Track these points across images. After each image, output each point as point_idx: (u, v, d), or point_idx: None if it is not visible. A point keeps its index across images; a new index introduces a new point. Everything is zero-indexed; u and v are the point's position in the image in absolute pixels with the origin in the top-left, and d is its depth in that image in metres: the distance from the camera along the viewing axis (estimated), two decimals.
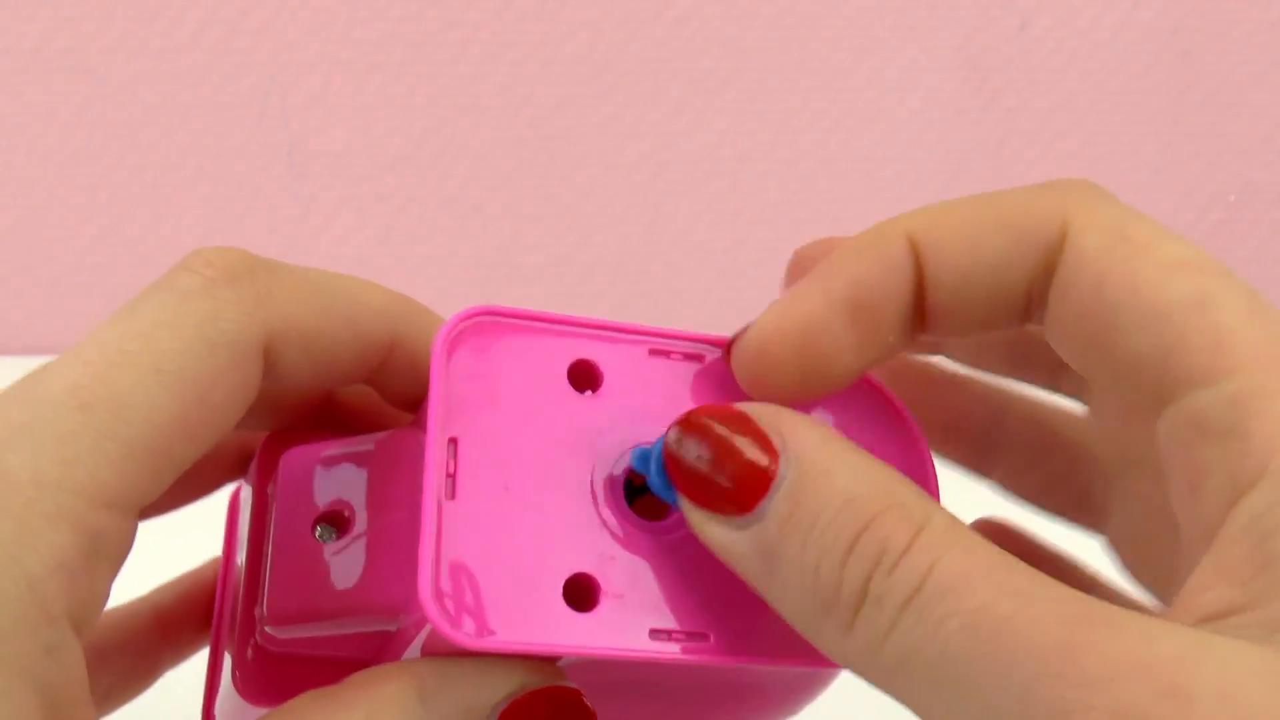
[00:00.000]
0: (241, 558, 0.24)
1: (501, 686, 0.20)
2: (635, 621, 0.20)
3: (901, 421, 0.23)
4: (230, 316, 0.20)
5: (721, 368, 0.22)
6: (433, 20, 0.59)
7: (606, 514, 0.21)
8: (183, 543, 0.30)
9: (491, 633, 0.19)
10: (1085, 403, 0.24)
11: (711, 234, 0.63)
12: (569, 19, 0.59)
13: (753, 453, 0.18)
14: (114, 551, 0.19)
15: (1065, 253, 0.19)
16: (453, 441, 0.20)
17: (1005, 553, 0.17)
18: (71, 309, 0.61)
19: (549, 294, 0.63)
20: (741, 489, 0.18)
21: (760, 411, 0.19)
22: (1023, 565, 0.17)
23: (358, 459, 0.23)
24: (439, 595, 0.19)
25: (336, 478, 0.23)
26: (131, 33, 0.58)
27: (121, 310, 0.22)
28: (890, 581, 0.17)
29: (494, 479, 0.20)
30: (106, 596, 0.19)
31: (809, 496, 0.18)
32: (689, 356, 0.22)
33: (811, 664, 0.20)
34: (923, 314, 0.21)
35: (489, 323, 0.21)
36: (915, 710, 0.17)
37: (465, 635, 0.19)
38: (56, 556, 0.18)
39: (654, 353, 0.22)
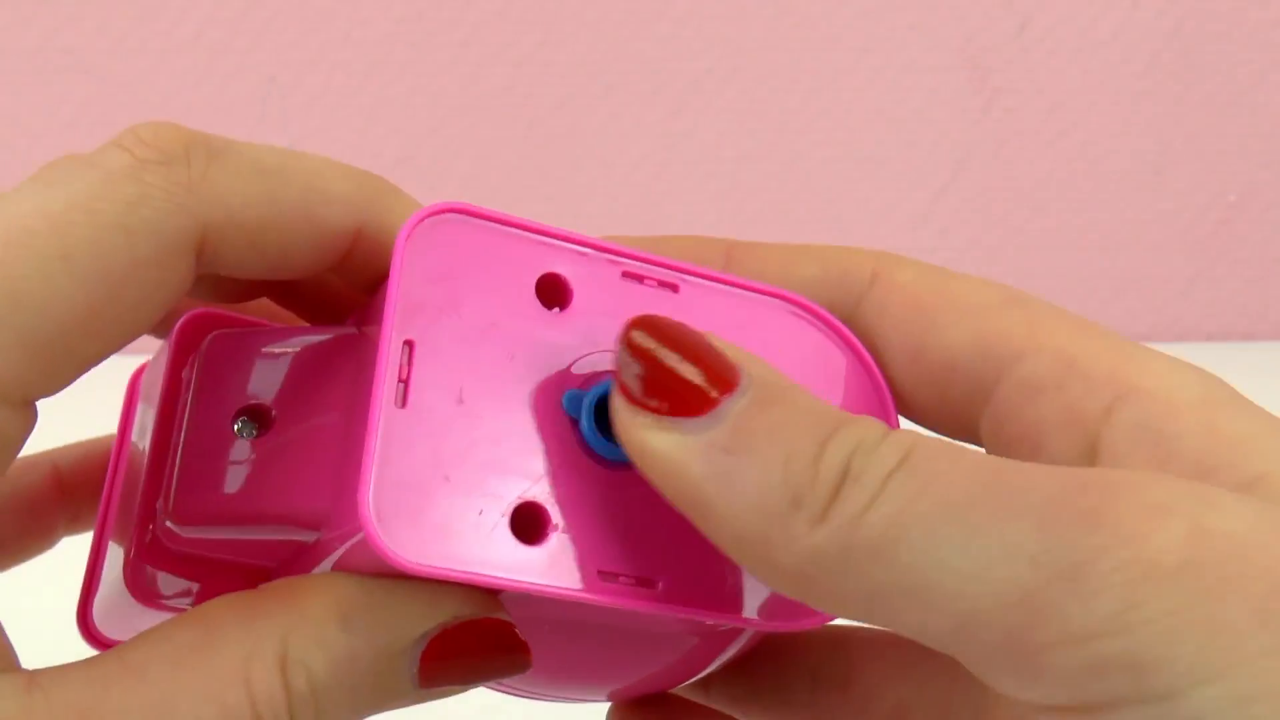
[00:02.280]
0: (145, 443, 0.22)
1: (432, 615, 0.19)
2: (583, 560, 0.19)
3: (858, 358, 0.22)
4: (157, 203, 0.18)
5: (694, 302, 0.21)
6: (433, 20, 0.59)
7: (562, 441, 0.19)
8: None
9: (430, 557, 0.18)
10: None
11: (711, 234, 0.63)
12: (569, 19, 0.59)
13: (715, 358, 0.18)
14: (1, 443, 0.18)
15: (877, 285, 0.21)
16: (408, 344, 0.18)
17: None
18: None
19: None
20: (706, 387, 0.17)
21: (714, 337, 0.19)
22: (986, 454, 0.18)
23: (292, 353, 0.21)
24: (380, 509, 0.18)
25: (265, 370, 0.21)
26: (131, 33, 0.58)
27: (33, 180, 0.19)
28: (874, 457, 0.17)
29: (448, 390, 0.19)
30: None
31: (774, 404, 0.17)
32: (663, 284, 0.21)
33: (760, 624, 0.20)
34: None
35: (458, 222, 0.20)
36: (889, 606, 0.17)
37: (403, 557, 0.17)
38: None
39: (627, 275, 0.21)
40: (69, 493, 0.26)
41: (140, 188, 0.18)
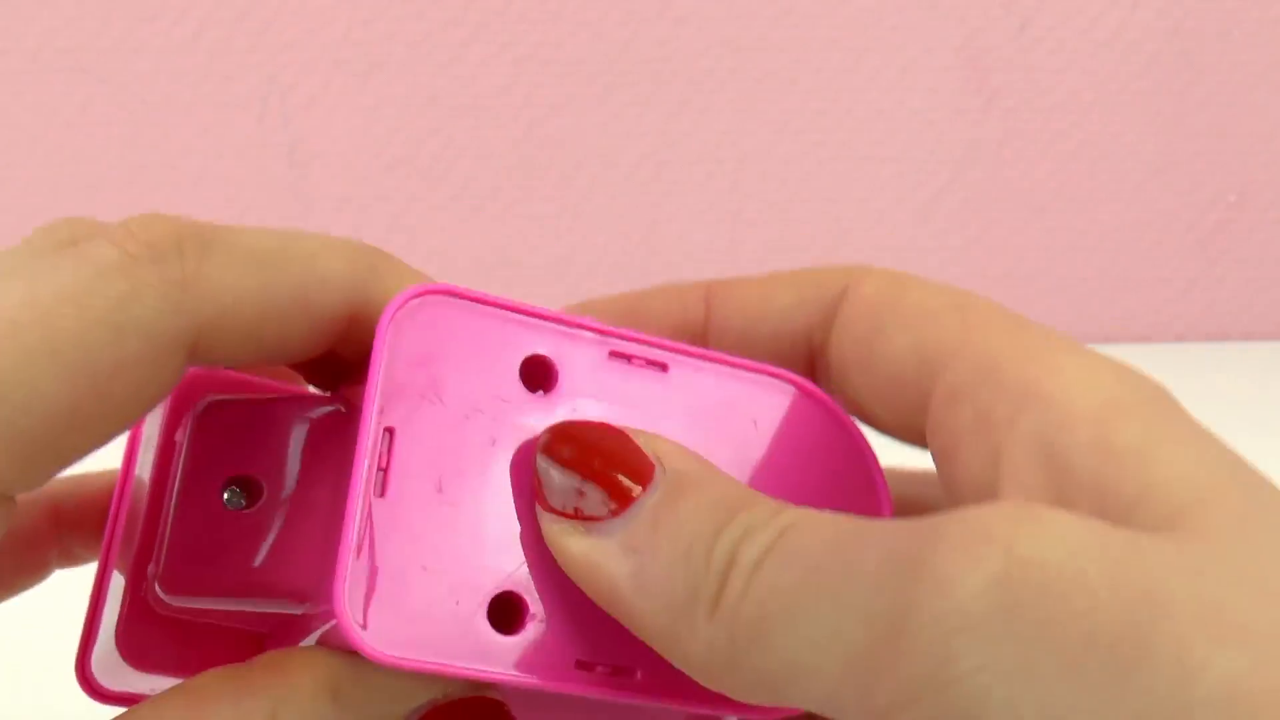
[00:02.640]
0: (143, 495, 0.22)
1: (423, 692, 0.19)
2: (560, 649, 0.19)
3: (846, 433, 0.22)
4: (149, 302, 0.18)
5: (682, 381, 0.21)
6: (433, 20, 0.59)
7: (541, 547, 0.19)
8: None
9: (405, 647, 0.18)
10: None
11: (711, 234, 0.63)
12: (569, 19, 0.59)
13: (629, 456, 0.18)
14: None
15: (845, 299, 0.21)
16: (389, 431, 0.18)
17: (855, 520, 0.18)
18: None
19: (549, 294, 0.63)
20: (618, 490, 0.18)
21: (636, 433, 0.19)
22: (857, 521, 0.17)
23: (284, 423, 0.21)
24: (354, 598, 0.18)
25: (255, 439, 0.21)
26: (131, 33, 0.58)
27: (18, 259, 0.19)
28: (754, 541, 0.17)
29: (428, 478, 0.19)
30: None
31: (682, 498, 0.18)
32: (652, 363, 0.21)
33: (737, 711, 0.20)
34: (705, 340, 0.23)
35: (441, 304, 0.19)
36: (778, 689, 0.17)
37: (375, 648, 0.18)
38: None
39: (615, 355, 0.20)
40: (65, 527, 0.25)
41: (132, 284, 0.18)
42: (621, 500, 0.18)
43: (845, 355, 0.21)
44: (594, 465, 0.18)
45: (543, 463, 0.19)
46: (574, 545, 0.18)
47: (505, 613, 0.19)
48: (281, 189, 0.61)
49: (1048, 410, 0.18)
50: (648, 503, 0.18)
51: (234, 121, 0.60)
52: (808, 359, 0.22)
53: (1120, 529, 0.16)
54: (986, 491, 0.18)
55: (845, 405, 0.22)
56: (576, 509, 0.18)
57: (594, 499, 0.18)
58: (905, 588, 0.15)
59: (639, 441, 0.19)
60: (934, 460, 0.20)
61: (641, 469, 0.18)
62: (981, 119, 0.63)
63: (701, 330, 0.23)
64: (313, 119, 0.60)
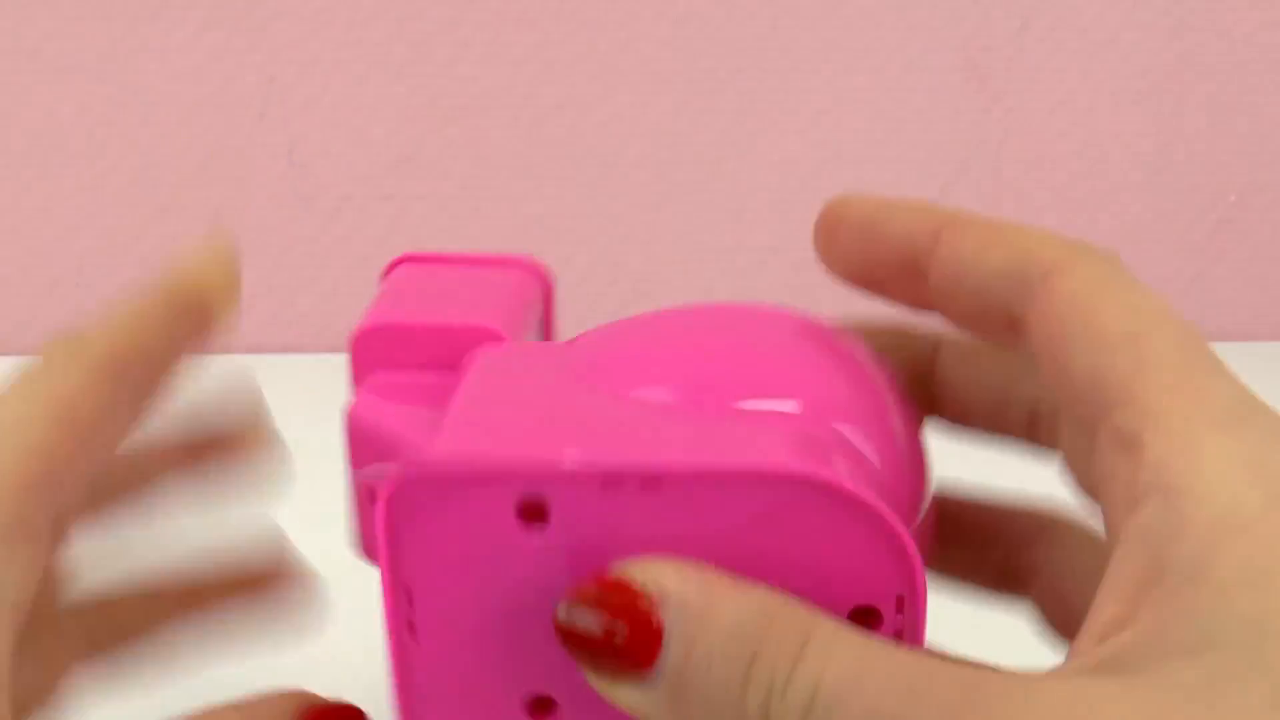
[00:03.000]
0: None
1: None
2: None
3: (873, 525, 0.21)
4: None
5: (677, 497, 0.20)
6: (433, 20, 0.59)
7: (558, 653, 0.20)
8: None
9: None
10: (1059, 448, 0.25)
11: (711, 234, 0.63)
12: (569, 19, 0.59)
13: (637, 614, 0.19)
14: (38, 540, 0.21)
15: (1047, 287, 0.21)
16: (407, 591, 0.21)
17: (887, 644, 0.18)
18: (71, 309, 0.61)
19: None
20: (636, 654, 0.19)
21: (636, 570, 0.19)
22: (905, 654, 0.18)
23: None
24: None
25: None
26: (131, 33, 0.58)
27: None
28: (785, 705, 0.18)
29: (451, 623, 0.21)
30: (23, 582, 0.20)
31: (698, 640, 0.18)
32: (644, 485, 0.20)
33: None
34: (927, 287, 0.23)
35: (431, 473, 0.20)
36: None
37: None
38: None
39: (607, 485, 0.20)
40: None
41: None
42: (645, 660, 0.19)
43: (1039, 350, 0.21)
44: (608, 631, 0.19)
45: (565, 630, 0.20)
46: (623, 697, 0.19)
47: (541, 708, 0.21)
48: (281, 189, 0.61)
49: (1167, 510, 0.18)
50: (668, 659, 0.19)
51: (234, 121, 0.60)
52: (1006, 325, 0.22)
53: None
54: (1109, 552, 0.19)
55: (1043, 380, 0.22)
56: (612, 668, 0.19)
57: (621, 663, 0.19)
58: None
59: (637, 583, 0.19)
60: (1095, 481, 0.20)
61: (649, 628, 0.19)
62: (981, 119, 0.63)
63: (925, 261, 0.23)
64: (313, 119, 0.60)
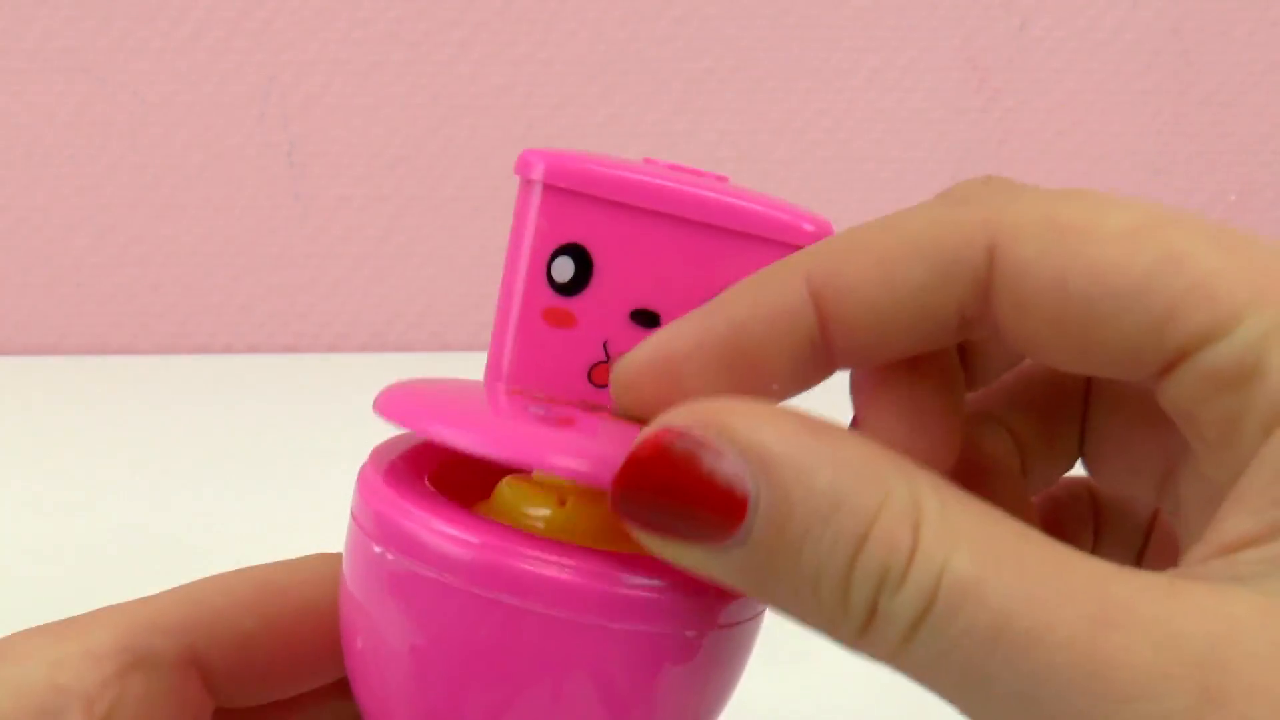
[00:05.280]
0: None
1: None
2: None
3: None
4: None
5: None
6: (433, 20, 0.59)
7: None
8: None
9: None
10: None
11: None
12: (569, 19, 0.59)
13: (718, 474, 0.16)
14: (158, 670, 0.21)
15: (1001, 269, 0.18)
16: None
17: (1011, 532, 0.16)
18: (71, 309, 0.61)
19: None
20: (717, 519, 0.16)
21: (712, 418, 0.16)
22: (1032, 548, 0.16)
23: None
24: None
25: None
26: (131, 33, 0.58)
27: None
28: (899, 600, 0.15)
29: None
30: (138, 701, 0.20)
31: (792, 511, 0.16)
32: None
33: None
34: (830, 355, 0.19)
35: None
36: (940, 696, 0.16)
37: None
38: (85, 646, 0.20)
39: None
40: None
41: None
42: (723, 529, 0.16)
43: (1038, 337, 0.18)
44: (680, 500, 0.16)
45: (622, 507, 0.17)
46: (684, 557, 0.17)
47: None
48: (281, 189, 0.61)
49: None
50: (754, 528, 0.16)
51: (234, 121, 0.60)
52: (959, 328, 0.18)
53: None
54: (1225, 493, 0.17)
55: (1049, 364, 0.18)
56: (681, 538, 0.17)
57: (693, 532, 0.16)
58: (1096, 704, 0.15)
59: (712, 434, 0.16)
60: (1177, 420, 0.18)
61: (731, 502, 0.16)
62: (981, 119, 0.63)
63: (819, 335, 0.19)
64: (313, 119, 0.60)
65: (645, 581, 0.18)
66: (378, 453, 0.21)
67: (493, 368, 0.22)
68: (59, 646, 0.20)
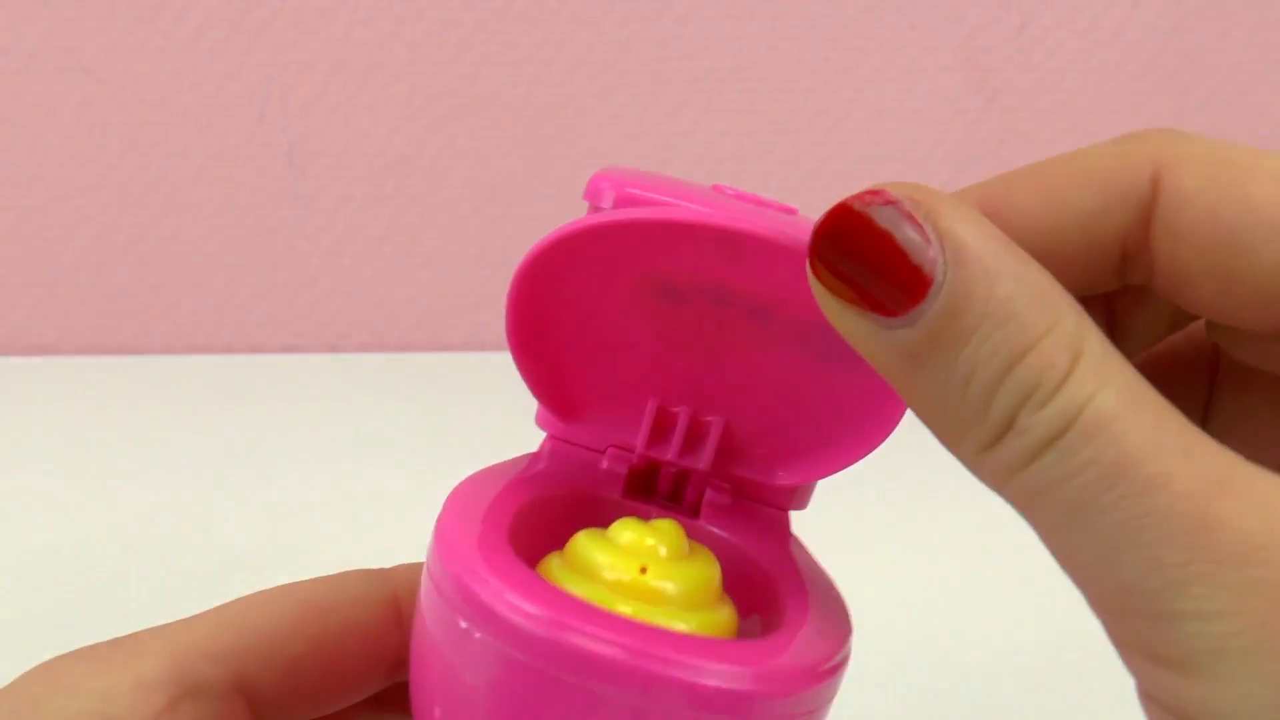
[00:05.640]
0: None
1: None
2: None
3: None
4: None
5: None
6: (433, 20, 0.59)
7: None
8: None
9: None
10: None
11: None
12: (569, 19, 0.59)
13: (913, 251, 0.17)
14: (208, 698, 0.21)
15: (1163, 198, 0.19)
16: None
17: (1156, 395, 0.17)
18: (71, 309, 0.61)
19: None
20: (898, 291, 0.17)
21: (926, 200, 0.17)
22: (1172, 413, 0.16)
23: None
24: None
25: None
26: (131, 33, 0.58)
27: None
28: (1039, 417, 0.16)
29: None
30: None
31: (969, 306, 0.16)
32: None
33: None
34: None
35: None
36: (1036, 528, 0.17)
37: None
38: (136, 675, 0.20)
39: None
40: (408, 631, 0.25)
41: None
42: (901, 304, 0.17)
43: (1188, 270, 0.19)
44: (872, 261, 0.17)
45: (820, 245, 0.18)
46: (851, 324, 0.18)
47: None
48: (281, 189, 0.61)
49: None
50: (928, 312, 0.17)
51: (234, 121, 0.60)
52: (1120, 267, 0.20)
53: None
54: None
55: (1189, 306, 0.19)
56: (857, 299, 0.17)
57: (873, 298, 0.17)
58: (1195, 554, 0.15)
59: (919, 212, 0.17)
60: None
61: (916, 280, 0.17)
62: (981, 119, 0.63)
63: (1134, 227, 0.19)
64: (313, 119, 0.60)
65: (722, 669, 0.18)
66: (459, 506, 0.21)
67: None
68: (108, 675, 0.20)
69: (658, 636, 0.18)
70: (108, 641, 0.21)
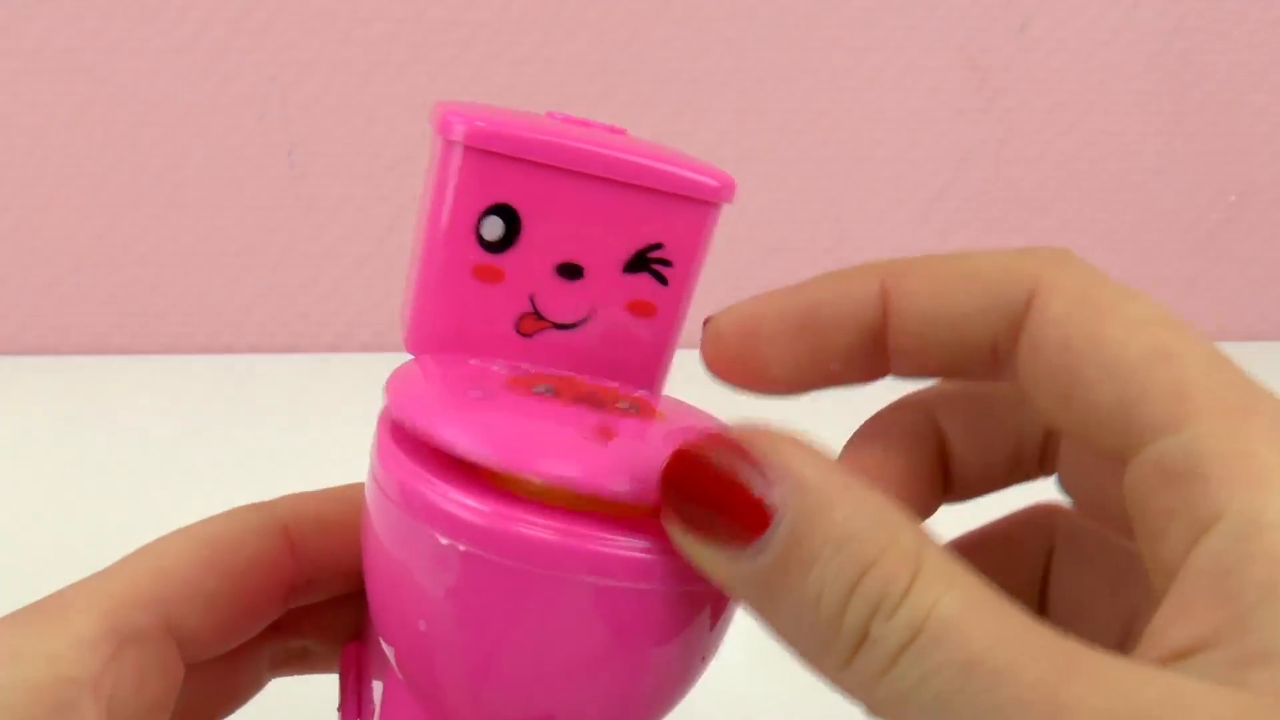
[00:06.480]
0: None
1: None
2: None
3: None
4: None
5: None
6: (433, 20, 0.59)
7: None
8: None
9: None
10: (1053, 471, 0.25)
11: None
12: (569, 19, 0.59)
13: (753, 487, 0.18)
14: (144, 644, 0.22)
15: (1032, 314, 0.20)
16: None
17: (996, 595, 0.18)
18: (71, 309, 0.61)
19: None
20: (742, 526, 0.18)
21: (759, 439, 0.19)
22: (1013, 610, 0.17)
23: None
24: None
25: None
26: (131, 33, 0.58)
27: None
28: (889, 626, 0.17)
29: None
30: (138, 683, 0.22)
31: (811, 532, 0.18)
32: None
33: None
34: (884, 354, 0.22)
35: None
36: None
37: None
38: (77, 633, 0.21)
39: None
40: (304, 566, 0.26)
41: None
42: (748, 534, 0.18)
43: (1038, 383, 0.20)
44: (718, 495, 0.18)
45: (669, 484, 0.19)
46: (709, 563, 0.19)
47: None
48: (281, 189, 0.61)
49: (1238, 540, 0.17)
50: (773, 540, 0.18)
51: (234, 121, 0.60)
52: (990, 361, 0.21)
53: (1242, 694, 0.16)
54: (1171, 578, 0.18)
55: (1039, 412, 0.21)
56: (707, 535, 0.19)
57: (722, 530, 0.18)
58: None
59: (760, 452, 0.18)
60: (1127, 506, 0.20)
61: (758, 514, 0.18)
62: (981, 119, 0.63)
63: (880, 330, 0.22)
64: (313, 119, 0.60)
65: (630, 541, 0.20)
66: (389, 418, 0.22)
67: (419, 325, 0.23)
68: (47, 638, 0.21)
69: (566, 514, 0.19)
70: (30, 605, 0.22)
